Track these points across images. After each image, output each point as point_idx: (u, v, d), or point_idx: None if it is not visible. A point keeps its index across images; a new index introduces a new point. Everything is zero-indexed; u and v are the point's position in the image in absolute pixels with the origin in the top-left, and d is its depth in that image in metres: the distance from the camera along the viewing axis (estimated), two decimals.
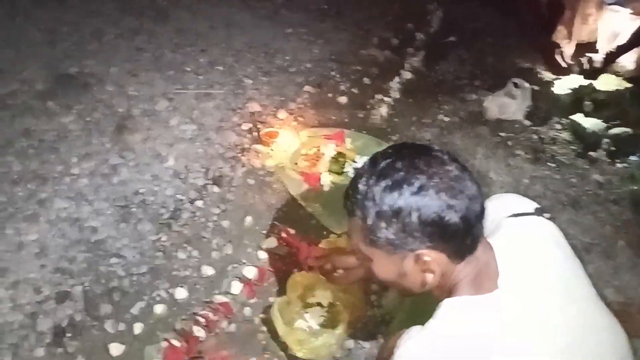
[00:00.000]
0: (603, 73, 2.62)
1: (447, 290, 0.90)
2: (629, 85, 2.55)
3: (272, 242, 1.69)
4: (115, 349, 1.40)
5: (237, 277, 1.60)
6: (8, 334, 1.43)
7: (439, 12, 3.10)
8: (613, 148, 2.16)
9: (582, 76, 2.63)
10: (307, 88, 2.44)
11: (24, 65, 2.45)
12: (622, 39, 2.62)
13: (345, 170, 1.93)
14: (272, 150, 2.04)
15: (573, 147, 2.21)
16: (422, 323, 0.84)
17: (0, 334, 1.43)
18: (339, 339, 1.36)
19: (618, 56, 2.62)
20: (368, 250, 0.90)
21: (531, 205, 1.03)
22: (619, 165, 2.11)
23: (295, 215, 1.82)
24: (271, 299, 1.55)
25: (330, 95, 2.42)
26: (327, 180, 1.91)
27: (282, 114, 2.25)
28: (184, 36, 2.76)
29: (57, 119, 2.17)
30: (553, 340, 0.83)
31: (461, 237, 0.83)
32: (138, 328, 1.45)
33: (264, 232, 1.75)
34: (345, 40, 2.84)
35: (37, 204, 1.80)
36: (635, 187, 1.99)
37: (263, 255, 1.66)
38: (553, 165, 2.11)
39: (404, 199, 0.81)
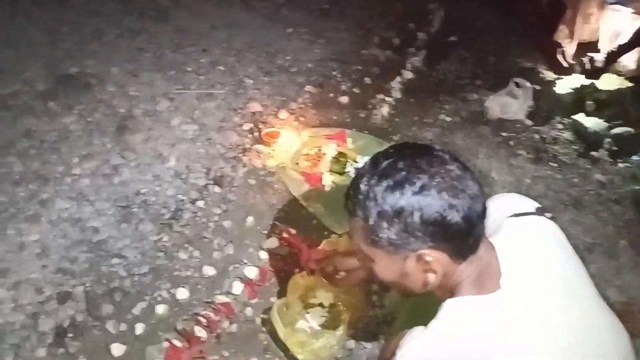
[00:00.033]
0: (605, 73, 2.62)
1: (449, 290, 0.89)
2: (630, 84, 2.54)
3: (273, 242, 1.69)
4: (117, 349, 1.40)
5: (238, 277, 1.60)
6: (9, 335, 1.43)
7: (440, 12, 3.09)
8: (615, 148, 2.16)
9: (583, 76, 2.63)
10: (308, 88, 2.43)
11: (24, 65, 2.45)
12: (624, 39, 2.61)
13: (346, 170, 1.93)
14: (273, 150, 2.04)
15: (575, 147, 2.21)
16: (424, 323, 0.84)
17: (2, 334, 1.43)
18: (340, 340, 1.36)
19: (620, 56, 2.62)
20: (369, 251, 0.90)
21: (532, 205, 1.03)
22: (620, 165, 2.11)
23: (296, 215, 1.81)
24: (272, 299, 1.55)
25: (331, 95, 2.42)
26: (328, 180, 1.91)
27: (283, 114, 2.25)
28: (185, 36, 2.76)
29: (58, 120, 2.17)
30: (555, 340, 0.82)
31: (463, 236, 0.83)
32: (139, 328, 1.45)
33: (265, 232, 1.74)
34: (346, 40, 2.84)
35: (39, 205, 1.80)
36: (637, 187, 1.99)
37: (264, 255, 1.66)
38: (555, 165, 2.11)
39: (405, 198, 0.81)
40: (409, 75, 2.59)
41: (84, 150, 2.03)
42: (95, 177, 1.92)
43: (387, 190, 0.82)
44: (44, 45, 2.62)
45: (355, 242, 0.92)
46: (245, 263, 1.64)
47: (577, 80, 2.60)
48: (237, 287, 1.55)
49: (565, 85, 2.58)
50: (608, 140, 2.18)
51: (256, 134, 2.13)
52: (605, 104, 2.37)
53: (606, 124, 2.24)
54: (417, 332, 0.84)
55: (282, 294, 1.51)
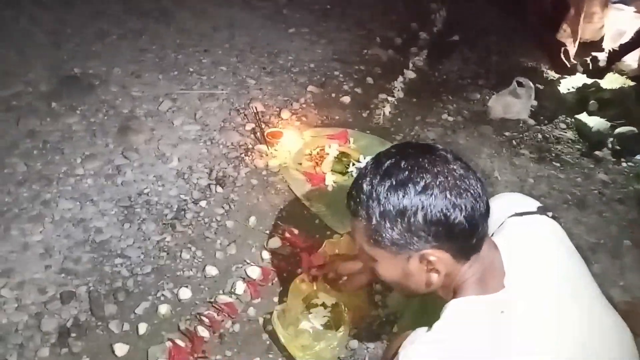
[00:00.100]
0: (608, 72, 2.61)
1: (452, 290, 0.89)
2: (633, 83, 2.54)
3: (276, 242, 1.69)
4: (120, 349, 1.40)
5: (241, 277, 1.60)
6: (13, 334, 1.43)
7: (443, 11, 3.09)
8: (618, 147, 2.15)
9: (586, 75, 2.62)
10: (310, 88, 2.44)
11: (28, 66, 2.46)
12: (627, 38, 2.61)
13: (348, 170, 1.93)
14: (275, 150, 2.04)
15: (578, 146, 2.20)
16: (428, 324, 0.83)
17: (6, 334, 1.43)
18: (341, 341, 1.35)
19: (623, 55, 2.61)
20: (372, 251, 0.90)
21: (534, 204, 1.03)
22: (624, 164, 2.10)
23: (299, 215, 1.81)
24: (275, 299, 1.55)
25: (333, 95, 2.42)
26: (330, 180, 1.91)
27: (285, 113, 2.25)
28: (188, 37, 2.77)
29: (62, 120, 2.18)
30: (559, 340, 0.82)
31: (466, 236, 0.83)
32: (142, 328, 1.45)
33: (268, 232, 1.74)
34: (348, 40, 2.84)
35: (42, 205, 1.81)
36: None
37: (267, 255, 1.66)
38: (558, 164, 2.10)
39: (408, 198, 0.81)
40: (411, 75, 2.59)
41: (87, 150, 2.04)
42: (98, 178, 1.93)
43: (390, 190, 0.82)
44: (47, 46, 2.63)
45: (357, 243, 0.92)
46: (248, 263, 1.64)
47: (580, 79, 2.60)
48: (240, 287, 1.55)
49: (568, 84, 2.58)
50: (611, 139, 2.18)
51: (258, 134, 2.13)
52: (608, 103, 2.36)
53: (609, 124, 2.24)
54: (421, 332, 0.83)
55: (284, 294, 1.51)
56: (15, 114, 2.19)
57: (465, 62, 2.74)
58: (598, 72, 2.61)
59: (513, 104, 2.32)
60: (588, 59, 2.66)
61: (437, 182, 0.81)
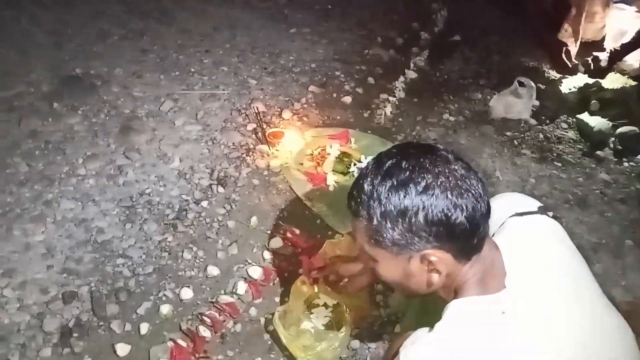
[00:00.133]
0: (609, 72, 2.61)
1: (453, 290, 0.89)
2: (635, 83, 2.53)
3: (277, 242, 1.69)
4: (122, 349, 1.40)
5: (242, 277, 1.60)
6: (15, 334, 1.44)
7: (444, 11, 3.09)
8: (620, 147, 2.15)
9: (587, 75, 2.62)
10: (311, 88, 2.44)
11: (29, 67, 2.47)
12: (628, 37, 2.61)
13: (350, 170, 1.93)
14: (277, 150, 2.04)
15: (579, 146, 2.20)
16: (430, 324, 0.83)
17: (8, 334, 1.44)
18: (343, 341, 1.35)
19: (624, 54, 2.61)
20: (373, 251, 0.90)
21: (535, 204, 1.03)
22: (625, 164, 2.10)
23: (300, 215, 1.81)
24: (277, 299, 1.55)
25: (334, 95, 2.42)
26: (332, 180, 1.91)
27: (286, 114, 2.25)
28: (189, 37, 2.77)
29: (63, 120, 2.18)
30: (560, 340, 0.82)
31: (467, 236, 0.83)
32: (144, 328, 1.45)
33: (269, 232, 1.75)
34: (349, 40, 2.84)
35: (44, 205, 1.81)
36: None
37: (268, 255, 1.66)
38: (559, 164, 2.10)
39: (410, 198, 0.81)
40: (412, 75, 2.58)
41: (88, 150, 2.04)
42: (100, 178, 1.93)
43: (391, 190, 0.82)
44: (49, 46, 2.63)
45: (358, 243, 0.92)
46: (250, 263, 1.64)
47: (581, 79, 2.60)
48: (242, 287, 1.55)
49: (570, 84, 2.58)
50: (613, 139, 2.18)
51: (260, 134, 2.14)
52: (609, 103, 2.36)
53: (611, 123, 2.24)
54: (422, 333, 0.83)
55: (286, 294, 1.51)
56: (17, 114, 2.20)
57: (467, 62, 2.74)
58: (599, 71, 2.61)
59: (514, 103, 2.32)
60: (589, 59, 2.66)
61: (438, 182, 0.81)
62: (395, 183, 0.82)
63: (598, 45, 2.79)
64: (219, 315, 1.48)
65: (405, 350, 0.82)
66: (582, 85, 2.54)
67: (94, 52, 2.60)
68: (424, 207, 0.80)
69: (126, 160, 2.01)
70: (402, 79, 2.53)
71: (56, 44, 2.64)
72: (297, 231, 1.71)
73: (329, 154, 1.98)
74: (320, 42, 2.80)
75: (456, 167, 0.84)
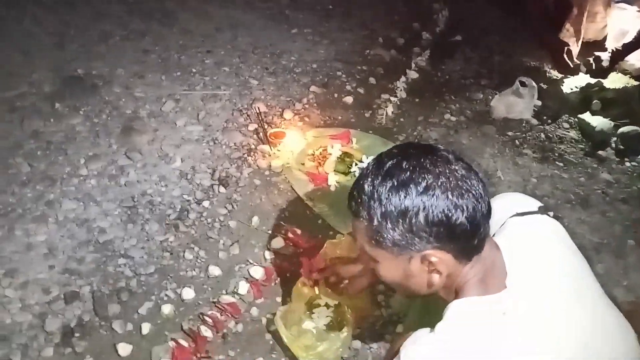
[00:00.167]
0: (611, 71, 2.60)
1: (453, 291, 0.89)
2: (637, 83, 2.53)
3: (278, 242, 1.69)
4: (123, 349, 1.41)
5: (244, 277, 1.60)
6: (17, 334, 1.44)
7: (445, 11, 3.09)
8: (622, 147, 2.15)
9: (589, 75, 2.62)
10: (313, 88, 2.44)
11: (31, 67, 2.47)
12: (630, 37, 2.60)
13: (351, 170, 1.93)
14: (278, 150, 2.04)
15: (581, 146, 2.20)
16: (431, 324, 0.83)
17: (10, 334, 1.44)
18: (344, 342, 1.35)
19: (626, 54, 2.60)
20: (373, 252, 0.90)
21: (535, 204, 1.03)
22: (627, 163, 2.10)
23: (301, 215, 1.82)
24: (278, 299, 1.55)
25: (336, 95, 2.42)
26: (333, 180, 1.91)
27: (288, 114, 2.25)
28: (190, 38, 2.77)
29: (65, 121, 2.19)
30: (561, 340, 0.82)
31: (468, 237, 0.83)
32: (146, 328, 1.45)
33: (271, 232, 1.75)
34: (350, 40, 2.84)
35: (46, 205, 1.82)
36: None
37: (270, 255, 1.67)
38: (561, 164, 2.10)
39: (410, 198, 0.81)
40: (413, 75, 2.58)
41: (90, 151, 2.05)
42: (102, 178, 1.93)
43: (392, 190, 0.82)
44: (51, 47, 2.64)
45: (359, 243, 0.92)
46: (251, 263, 1.65)
47: (583, 79, 2.59)
48: (243, 287, 1.55)
49: (572, 84, 2.57)
50: (615, 139, 2.17)
51: (261, 134, 2.14)
52: (611, 103, 2.35)
53: (613, 123, 2.23)
54: (423, 333, 0.83)
55: (287, 294, 1.51)
56: (19, 115, 2.20)
57: (468, 62, 2.74)
58: (601, 71, 2.60)
59: (516, 103, 2.31)
60: (591, 59, 2.66)
61: (439, 183, 0.81)
62: (395, 183, 0.82)
63: (599, 45, 2.78)
64: (221, 315, 1.48)
65: (405, 350, 0.82)
66: (583, 85, 2.54)
67: (96, 53, 2.61)
68: (424, 208, 0.80)
69: (128, 160, 2.01)
70: (403, 79, 2.53)
71: (58, 45, 2.65)
72: (299, 231, 1.71)
73: (330, 154, 1.98)
74: (322, 43, 2.80)
75: (457, 168, 0.84)
